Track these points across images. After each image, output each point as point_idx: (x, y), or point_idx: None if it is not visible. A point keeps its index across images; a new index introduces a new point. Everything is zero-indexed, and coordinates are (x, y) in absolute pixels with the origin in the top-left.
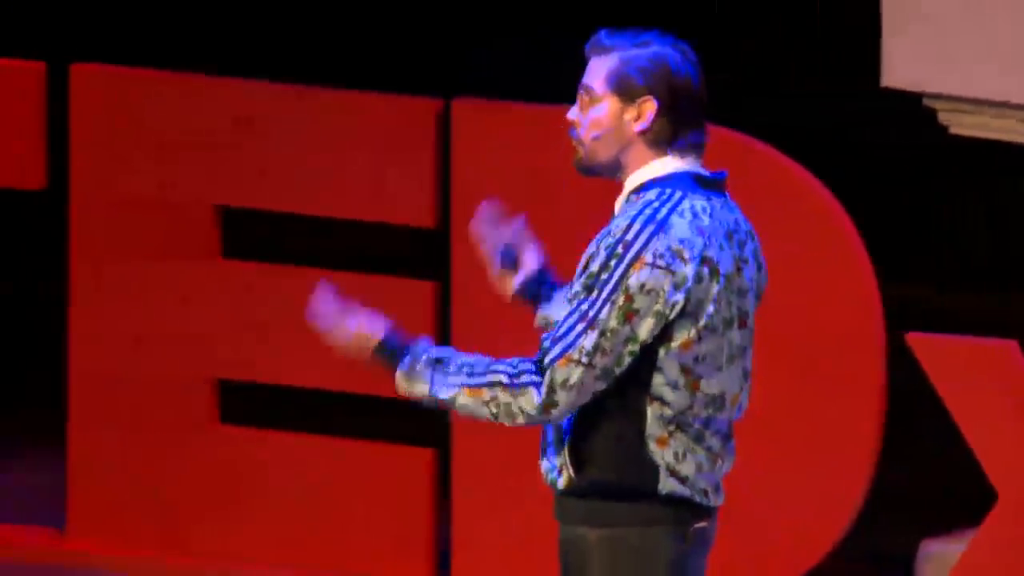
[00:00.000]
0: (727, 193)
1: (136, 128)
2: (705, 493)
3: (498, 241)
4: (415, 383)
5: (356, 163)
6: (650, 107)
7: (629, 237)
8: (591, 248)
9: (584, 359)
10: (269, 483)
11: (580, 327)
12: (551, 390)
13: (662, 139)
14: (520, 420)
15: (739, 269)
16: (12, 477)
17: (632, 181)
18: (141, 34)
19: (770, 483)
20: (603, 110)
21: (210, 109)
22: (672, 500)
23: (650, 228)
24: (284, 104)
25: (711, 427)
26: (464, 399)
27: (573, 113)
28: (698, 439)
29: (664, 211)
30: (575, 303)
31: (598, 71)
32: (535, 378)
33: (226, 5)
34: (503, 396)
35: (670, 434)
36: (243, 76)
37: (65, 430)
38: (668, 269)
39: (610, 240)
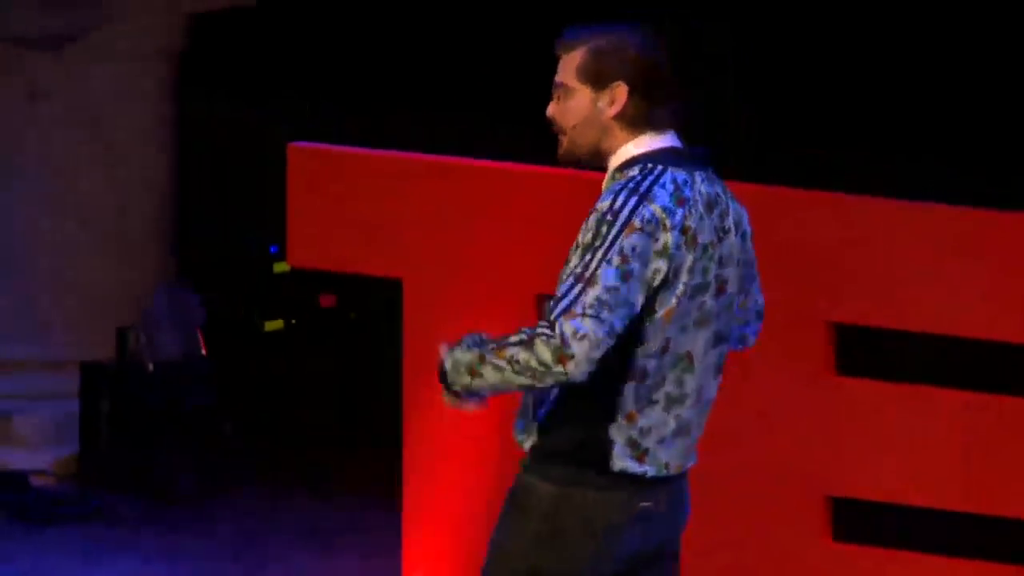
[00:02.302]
0: (710, 167)
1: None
2: (666, 465)
3: None
4: (459, 363)
5: (972, 280)
6: (621, 91)
7: (616, 206)
8: (580, 232)
9: (590, 311)
10: None
11: (579, 286)
12: (564, 343)
13: (637, 119)
14: (548, 379)
15: (719, 239)
16: None
17: (616, 159)
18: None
19: None
20: (578, 100)
21: (816, 224)
22: (624, 475)
23: (634, 198)
24: (897, 220)
25: (683, 392)
26: (490, 370)
27: (550, 109)
28: (668, 408)
29: (647, 183)
30: (571, 268)
31: (568, 65)
32: (547, 331)
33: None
34: (522, 354)
35: (640, 409)
36: (847, 191)
37: None
38: (653, 236)
39: (597, 215)
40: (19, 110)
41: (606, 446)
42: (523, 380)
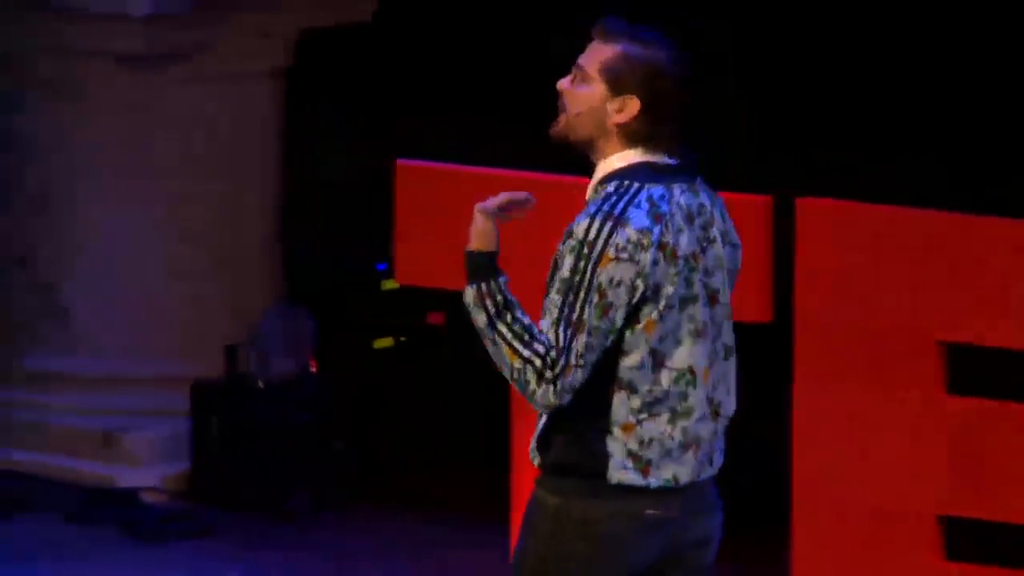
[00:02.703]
0: (697, 177)
1: (857, 261)
2: (674, 478)
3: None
4: (478, 309)
5: None
6: (633, 105)
7: (591, 236)
8: (558, 251)
9: (581, 362)
10: None
11: (570, 332)
12: (561, 396)
13: (638, 136)
14: (528, 398)
15: (703, 249)
16: None
17: (601, 170)
18: (867, 168)
19: None
20: (590, 92)
21: (927, 243)
22: (622, 486)
23: (609, 224)
24: (1009, 239)
25: (688, 406)
26: (503, 352)
27: (563, 84)
28: (673, 421)
29: (621, 204)
30: (559, 310)
31: (597, 55)
32: (550, 377)
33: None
34: (529, 375)
35: (639, 422)
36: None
37: (789, 560)
38: (631, 260)
39: (573, 243)
40: (128, 130)
41: (604, 459)
42: (509, 377)
